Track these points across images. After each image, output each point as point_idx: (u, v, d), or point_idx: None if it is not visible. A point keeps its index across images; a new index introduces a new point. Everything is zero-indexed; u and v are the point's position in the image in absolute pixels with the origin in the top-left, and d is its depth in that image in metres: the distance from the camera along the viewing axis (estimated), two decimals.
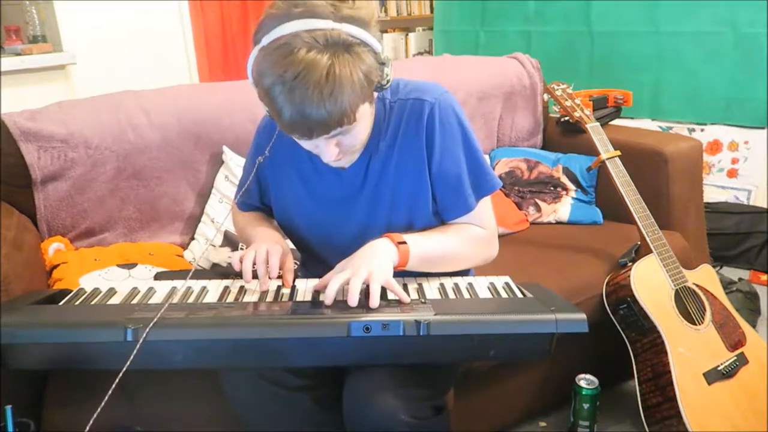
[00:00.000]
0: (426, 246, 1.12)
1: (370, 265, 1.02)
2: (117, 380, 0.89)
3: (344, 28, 0.92)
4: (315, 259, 1.27)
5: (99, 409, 0.87)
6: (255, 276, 1.11)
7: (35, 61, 2.63)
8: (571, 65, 2.93)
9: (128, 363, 0.90)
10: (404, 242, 1.09)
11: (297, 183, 1.21)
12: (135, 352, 0.91)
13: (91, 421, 0.87)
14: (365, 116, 1.01)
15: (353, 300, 0.98)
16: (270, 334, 0.96)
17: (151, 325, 0.93)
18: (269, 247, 1.12)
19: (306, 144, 1.03)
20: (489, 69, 2.24)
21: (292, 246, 1.33)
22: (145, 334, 0.92)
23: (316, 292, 1.14)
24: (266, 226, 1.27)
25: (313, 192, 1.20)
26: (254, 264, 1.10)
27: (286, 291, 1.14)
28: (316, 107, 0.91)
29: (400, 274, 1.15)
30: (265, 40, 0.93)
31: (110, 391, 0.88)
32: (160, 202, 1.67)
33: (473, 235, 1.17)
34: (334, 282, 1.01)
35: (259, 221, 1.30)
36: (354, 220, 1.18)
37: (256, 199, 1.32)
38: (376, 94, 1.03)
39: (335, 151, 1.02)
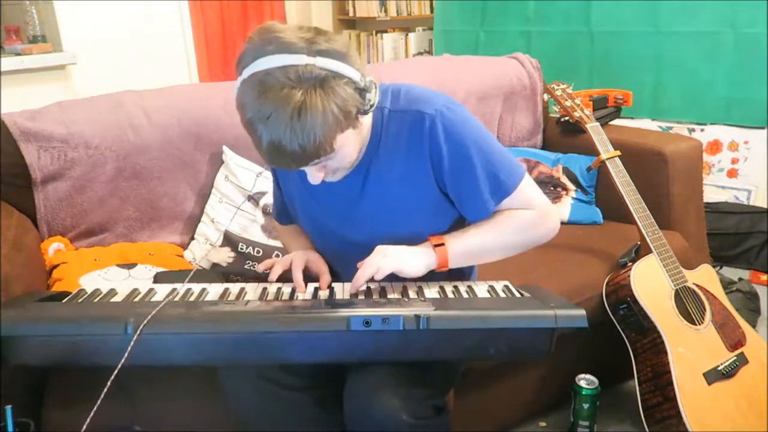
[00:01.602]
0: (467, 243, 1.14)
1: (396, 257, 1.09)
2: (116, 372, 0.89)
3: (318, 63, 0.93)
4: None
5: (98, 404, 0.87)
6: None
7: (35, 61, 2.63)
8: (571, 65, 2.93)
9: (126, 355, 0.90)
10: (441, 244, 1.11)
11: (301, 187, 1.23)
12: (132, 343, 0.91)
13: (89, 419, 0.87)
14: (348, 142, 1.02)
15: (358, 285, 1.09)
16: (270, 328, 0.96)
17: (149, 317, 0.93)
18: (293, 260, 1.21)
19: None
20: (489, 69, 2.24)
21: None
22: (142, 326, 0.92)
23: (316, 292, 1.14)
24: (298, 243, 1.32)
25: (316, 196, 1.21)
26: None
27: (286, 291, 1.15)
28: (290, 143, 0.93)
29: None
30: (245, 73, 0.95)
31: (108, 383, 0.89)
32: (160, 202, 1.67)
33: (520, 221, 1.16)
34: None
35: (294, 238, 1.36)
36: (357, 226, 1.18)
37: (280, 201, 1.36)
38: (362, 116, 1.03)
39: (320, 175, 1.05)
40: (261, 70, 0.93)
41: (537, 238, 1.20)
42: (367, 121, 1.10)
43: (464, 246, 1.14)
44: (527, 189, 1.17)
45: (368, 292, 1.13)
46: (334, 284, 1.19)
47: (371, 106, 1.01)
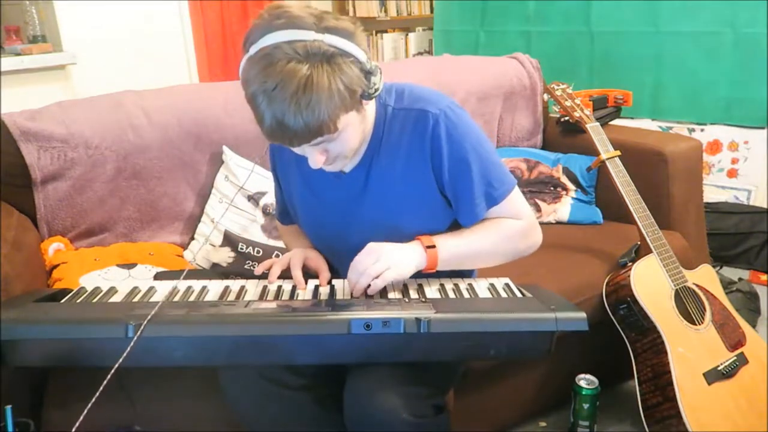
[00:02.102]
0: (457, 247, 1.13)
1: (390, 260, 1.07)
2: (110, 375, 0.89)
3: (326, 39, 0.93)
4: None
5: (90, 404, 0.87)
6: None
7: (35, 61, 2.63)
8: (571, 65, 2.93)
9: (124, 356, 0.90)
10: (433, 246, 1.11)
11: (302, 185, 1.22)
12: (131, 345, 0.91)
13: (84, 411, 0.87)
14: (352, 125, 1.01)
15: (354, 293, 1.08)
16: (271, 331, 0.96)
17: (148, 318, 0.93)
18: (292, 258, 1.20)
19: (295, 149, 1.04)
20: (489, 69, 2.24)
21: None
22: (142, 328, 0.92)
23: (316, 289, 1.14)
24: (299, 243, 1.31)
25: (317, 194, 1.21)
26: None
27: (287, 289, 1.15)
28: (293, 118, 0.92)
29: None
30: (252, 50, 0.95)
31: (103, 385, 0.89)
32: (160, 202, 1.67)
33: (509, 229, 1.17)
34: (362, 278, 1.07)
35: (294, 237, 1.36)
36: (358, 224, 1.18)
37: (281, 201, 1.35)
38: (366, 102, 1.03)
39: (321, 158, 1.04)
40: (268, 44, 0.93)
41: (522, 249, 1.21)
42: (370, 110, 1.10)
43: (454, 249, 1.13)
44: (517, 200, 1.18)
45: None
46: (334, 281, 1.19)
47: (376, 90, 1.01)
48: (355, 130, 1.03)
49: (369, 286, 1.07)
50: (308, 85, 0.91)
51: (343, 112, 0.97)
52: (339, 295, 1.13)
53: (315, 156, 1.03)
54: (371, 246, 1.09)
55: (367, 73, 0.99)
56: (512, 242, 1.18)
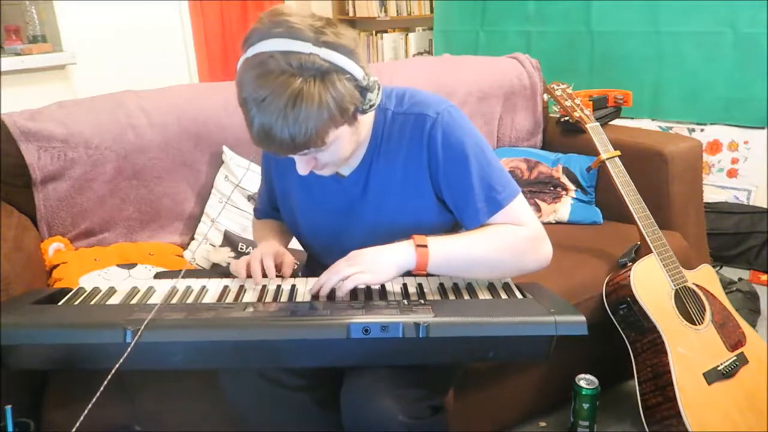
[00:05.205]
0: (452, 248, 1.08)
1: (365, 265, 1.04)
2: (108, 379, 0.89)
3: (322, 54, 0.92)
4: (318, 263, 1.27)
5: (91, 405, 0.88)
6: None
7: (35, 61, 2.63)
8: (571, 65, 2.93)
9: (120, 362, 0.91)
10: (425, 245, 1.05)
11: (300, 190, 1.22)
12: (128, 351, 0.91)
13: (81, 417, 0.87)
14: (342, 138, 1.01)
15: (321, 292, 1.06)
16: (269, 336, 0.96)
17: (145, 323, 0.93)
18: (262, 251, 1.18)
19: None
20: (489, 69, 2.24)
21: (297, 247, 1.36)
22: (139, 334, 0.92)
23: (293, 290, 1.14)
24: (270, 238, 1.29)
25: (316, 199, 1.21)
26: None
27: (285, 289, 1.15)
28: (280, 130, 0.93)
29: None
30: (249, 52, 0.94)
31: (101, 389, 0.89)
32: (160, 202, 1.67)
33: (511, 235, 1.10)
34: (331, 278, 1.05)
35: (266, 233, 1.34)
36: (358, 227, 1.18)
37: (267, 204, 1.35)
38: (360, 115, 1.03)
39: (307, 167, 1.04)
40: (264, 51, 0.92)
41: (528, 261, 1.13)
42: (366, 120, 1.09)
43: (447, 251, 1.07)
44: (521, 208, 1.13)
45: (368, 292, 1.13)
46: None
47: (371, 106, 1.01)
48: (346, 141, 1.03)
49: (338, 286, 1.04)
50: (298, 100, 0.91)
51: (333, 128, 0.97)
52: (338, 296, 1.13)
53: (303, 164, 1.04)
54: (352, 252, 1.07)
55: (363, 90, 0.98)
56: (515, 251, 1.11)
